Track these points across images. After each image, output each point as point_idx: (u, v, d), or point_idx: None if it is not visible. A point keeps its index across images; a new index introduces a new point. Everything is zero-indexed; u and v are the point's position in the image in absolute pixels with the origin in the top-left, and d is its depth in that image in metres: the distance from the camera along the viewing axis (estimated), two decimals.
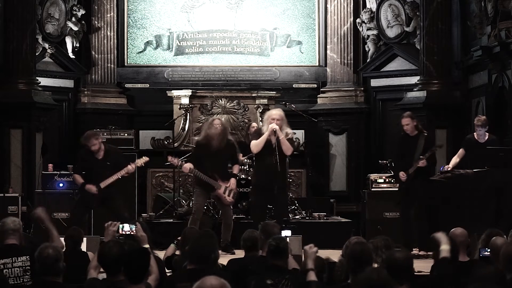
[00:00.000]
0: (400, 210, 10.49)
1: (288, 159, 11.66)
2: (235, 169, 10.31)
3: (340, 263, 5.81)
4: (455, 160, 10.31)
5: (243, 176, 11.38)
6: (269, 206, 10.31)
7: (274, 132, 9.71)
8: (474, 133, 10.38)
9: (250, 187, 10.78)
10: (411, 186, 10.10)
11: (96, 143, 9.69)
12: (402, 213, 10.39)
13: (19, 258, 6.04)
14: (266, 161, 9.75)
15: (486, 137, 10.27)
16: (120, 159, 9.92)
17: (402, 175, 10.12)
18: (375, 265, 5.34)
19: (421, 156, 10.02)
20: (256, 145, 9.83)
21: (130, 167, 9.87)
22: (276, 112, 10.05)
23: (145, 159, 10.20)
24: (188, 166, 10.09)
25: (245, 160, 11.49)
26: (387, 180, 11.32)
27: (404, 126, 10.24)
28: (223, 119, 11.61)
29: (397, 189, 10.92)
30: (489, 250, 5.80)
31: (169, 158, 10.47)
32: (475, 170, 10.09)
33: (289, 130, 9.99)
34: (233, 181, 10.21)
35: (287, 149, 9.81)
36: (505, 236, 6.19)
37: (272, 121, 9.79)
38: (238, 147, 10.86)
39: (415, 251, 9.78)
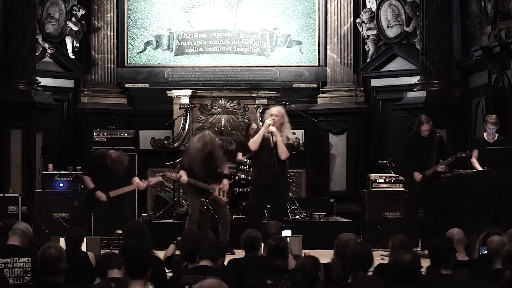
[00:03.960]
0: (408, 210, 10.45)
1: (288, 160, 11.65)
2: (225, 169, 10.35)
3: (333, 263, 5.81)
4: (476, 164, 10.20)
5: (243, 176, 11.38)
6: (268, 206, 10.33)
7: (271, 132, 9.67)
8: (484, 134, 10.36)
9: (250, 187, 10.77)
10: (426, 187, 10.06)
11: (108, 163, 9.73)
12: (409, 213, 10.35)
13: (20, 259, 6.06)
14: (264, 160, 9.70)
15: (495, 137, 10.25)
16: (130, 167, 10.00)
17: (418, 175, 10.07)
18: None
19: (441, 161, 10.00)
20: (253, 142, 9.77)
21: (142, 184, 9.97)
22: (275, 109, 9.99)
23: (159, 179, 10.45)
24: (185, 178, 10.16)
25: (245, 160, 11.48)
26: (387, 180, 11.31)
27: (424, 132, 10.15)
28: (211, 134, 10.90)
29: (398, 189, 10.93)
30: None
31: (167, 174, 10.57)
32: (475, 170, 10.09)
33: (290, 135, 9.91)
34: (225, 181, 10.27)
35: (282, 152, 9.67)
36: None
37: (269, 117, 9.74)
38: (238, 147, 10.86)
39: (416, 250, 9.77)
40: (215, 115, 13.53)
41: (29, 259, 6.02)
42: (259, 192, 9.80)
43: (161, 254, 7.00)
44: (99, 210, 9.99)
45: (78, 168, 11.37)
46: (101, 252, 7.36)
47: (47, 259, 5.05)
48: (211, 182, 10.20)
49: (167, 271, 6.64)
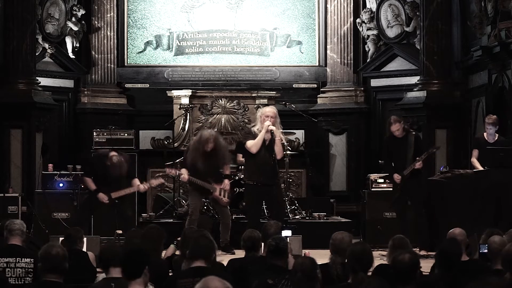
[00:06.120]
0: (396, 211, 10.51)
1: (289, 159, 11.68)
2: (226, 169, 10.37)
3: (333, 262, 5.81)
4: (477, 163, 10.20)
5: (243, 176, 11.36)
6: (264, 205, 10.35)
7: (271, 131, 9.70)
8: (484, 133, 10.37)
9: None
10: (407, 187, 10.11)
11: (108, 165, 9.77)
12: (398, 214, 10.41)
13: (23, 259, 6.05)
14: (263, 159, 9.74)
15: (496, 137, 10.26)
16: (130, 168, 10.03)
17: (397, 177, 10.15)
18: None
19: (417, 158, 10.06)
20: (255, 144, 9.79)
21: (142, 187, 10.03)
22: (270, 110, 10.01)
23: (160, 180, 10.47)
24: (185, 176, 10.16)
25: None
26: (387, 180, 11.31)
27: (395, 132, 10.23)
28: (214, 132, 10.93)
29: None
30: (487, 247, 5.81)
31: (167, 170, 10.61)
32: (475, 170, 10.09)
33: (282, 135, 9.98)
34: (226, 182, 10.28)
35: (279, 152, 9.84)
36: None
37: (266, 119, 9.76)
38: (238, 148, 10.86)
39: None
40: (215, 115, 13.53)
41: (32, 260, 6.01)
42: (256, 191, 9.83)
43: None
44: (101, 212, 10.00)
45: (78, 168, 11.39)
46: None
47: (52, 258, 5.03)
48: (213, 182, 10.20)
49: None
